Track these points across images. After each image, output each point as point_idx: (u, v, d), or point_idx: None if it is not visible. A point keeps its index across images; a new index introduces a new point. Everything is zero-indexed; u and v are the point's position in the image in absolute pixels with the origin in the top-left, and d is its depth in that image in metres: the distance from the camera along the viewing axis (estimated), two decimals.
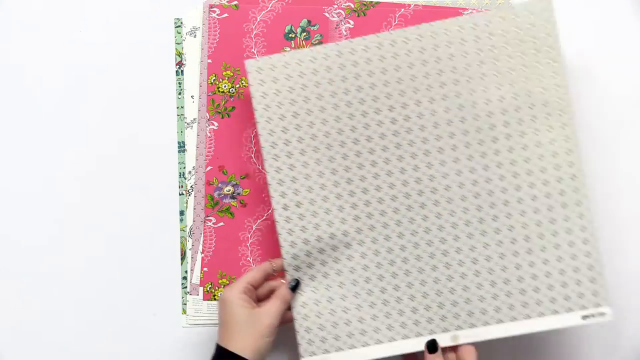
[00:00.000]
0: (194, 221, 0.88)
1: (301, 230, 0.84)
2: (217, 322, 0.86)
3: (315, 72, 0.83)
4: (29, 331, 0.88)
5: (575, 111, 0.82)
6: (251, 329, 0.78)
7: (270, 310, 0.80)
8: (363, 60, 0.83)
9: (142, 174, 0.88)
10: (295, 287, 0.83)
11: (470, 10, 0.86)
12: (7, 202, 0.89)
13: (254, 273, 0.82)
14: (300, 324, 0.83)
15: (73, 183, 0.88)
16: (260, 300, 0.83)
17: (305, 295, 0.83)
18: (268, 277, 0.84)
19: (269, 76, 0.84)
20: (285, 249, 0.84)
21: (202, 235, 0.87)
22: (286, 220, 0.84)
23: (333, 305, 0.83)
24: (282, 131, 0.84)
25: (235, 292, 0.79)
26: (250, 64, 0.84)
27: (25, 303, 0.88)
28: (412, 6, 0.86)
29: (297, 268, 0.84)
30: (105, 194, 0.88)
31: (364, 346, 0.83)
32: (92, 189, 0.88)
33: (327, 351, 0.83)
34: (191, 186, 0.87)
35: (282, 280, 0.84)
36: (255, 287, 0.82)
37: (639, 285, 0.90)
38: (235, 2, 0.88)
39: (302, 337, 0.83)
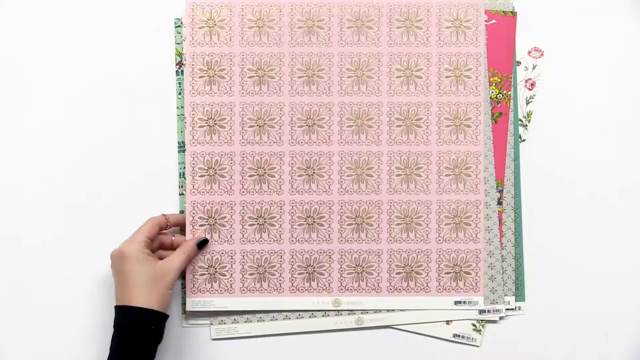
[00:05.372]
0: None
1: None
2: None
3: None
4: (29, 331, 0.88)
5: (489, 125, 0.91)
6: (156, 282, 0.79)
7: (175, 264, 0.82)
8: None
9: (142, 174, 0.89)
10: (202, 244, 0.86)
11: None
12: (7, 203, 0.89)
13: (149, 227, 0.82)
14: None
15: (73, 183, 0.89)
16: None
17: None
18: (161, 230, 0.85)
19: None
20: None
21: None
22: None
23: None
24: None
25: (137, 247, 0.80)
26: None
27: (25, 303, 0.88)
28: None
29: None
30: (106, 194, 0.89)
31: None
32: (92, 189, 0.89)
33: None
34: None
35: (180, 235, 0.87)
36: (151, 240, 0.83)
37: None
38: None
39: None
